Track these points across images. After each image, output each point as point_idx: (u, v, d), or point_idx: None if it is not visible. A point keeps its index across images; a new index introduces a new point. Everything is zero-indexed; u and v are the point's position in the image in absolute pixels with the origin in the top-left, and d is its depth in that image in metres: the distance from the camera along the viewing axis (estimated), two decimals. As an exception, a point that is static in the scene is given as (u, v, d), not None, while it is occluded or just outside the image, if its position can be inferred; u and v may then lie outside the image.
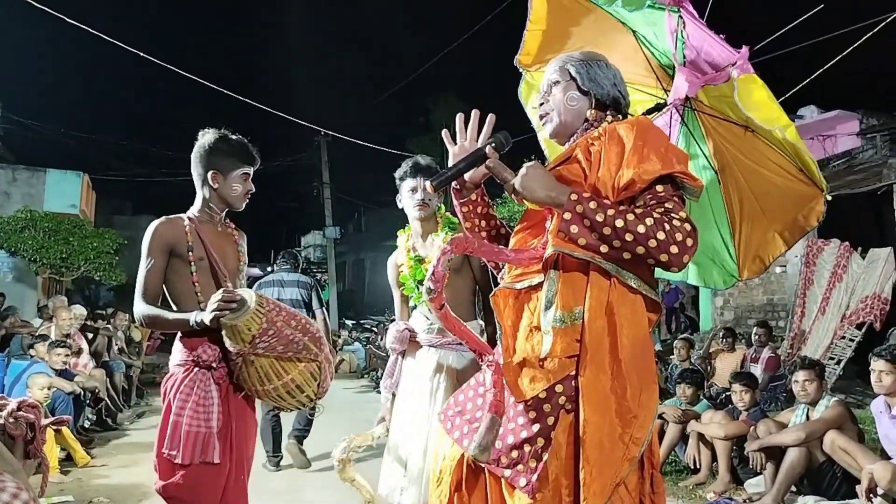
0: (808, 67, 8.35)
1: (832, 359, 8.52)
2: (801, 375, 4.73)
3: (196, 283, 2.56)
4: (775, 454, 4.67)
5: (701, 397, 6.09)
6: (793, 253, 10.79)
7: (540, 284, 1.94)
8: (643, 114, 2.64)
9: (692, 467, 5.50)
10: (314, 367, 2.50)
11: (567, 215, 1.81)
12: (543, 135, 2.29)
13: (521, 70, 3.06)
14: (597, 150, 1.94)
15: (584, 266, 1.86)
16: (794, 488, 4.63)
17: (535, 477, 1.79)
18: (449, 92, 25.25)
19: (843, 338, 8.63)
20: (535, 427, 1.83)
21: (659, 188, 1.85)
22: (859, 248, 8.96)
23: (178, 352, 2.57)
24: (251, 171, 2.72)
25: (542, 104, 2.17)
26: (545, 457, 1.80)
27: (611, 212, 1.78)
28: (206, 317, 2.37)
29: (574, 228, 1.80)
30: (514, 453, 1.83)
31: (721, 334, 8.91)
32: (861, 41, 7.61)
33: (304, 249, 38.95)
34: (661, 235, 1.75)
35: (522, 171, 1.93)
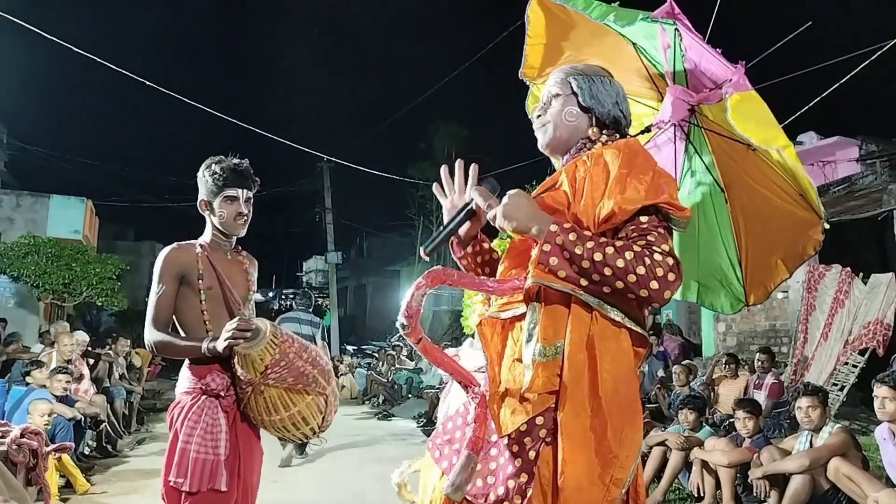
0: (807, 94, 8.43)
1: (835, 385, 8.46)
2: (804, 402, 4.71)
3: (204, 312, 2.56)
4: (779, 482, 4.63)
5: (703, 423, 6.07)
6: (794, 279, 10.75)
7: (524, 315, 1.86)
8: (642, 131, 2.62)
9: (696, 495, 5.45)
10: (321, 400, 2.53)
11: (547, 247, 1.74)
12: None
13: (527, 83, 3.03)
14: (581, 176, 1.87)
15: (565, 298, 1.79)
16: (799, 516, 4.57)
17: None
18: (450, 118, 25.38)
19: (847, 364, 8.57)
20: (518, 462, 1.76)
21: (643, 219, 1.78)
22: (861, 274, 8.94)
23: (185, 379, 2.56)
24: (237, 192, 2.65)
25: (538, 115, 2.08)
26: (529, 492, 1.74)
27: (590, 244, 1.72)
28: (220, 345, 2.38)
29: (554, 260, 1.73)
30: (500, 489, 1.76)
31: (724, 360, 8.84)
32: (860, 68, 7.68)
33: (305, 274, 38.98)
34: (640, 270, 1.68)
35: (505, 199, 1.85)
